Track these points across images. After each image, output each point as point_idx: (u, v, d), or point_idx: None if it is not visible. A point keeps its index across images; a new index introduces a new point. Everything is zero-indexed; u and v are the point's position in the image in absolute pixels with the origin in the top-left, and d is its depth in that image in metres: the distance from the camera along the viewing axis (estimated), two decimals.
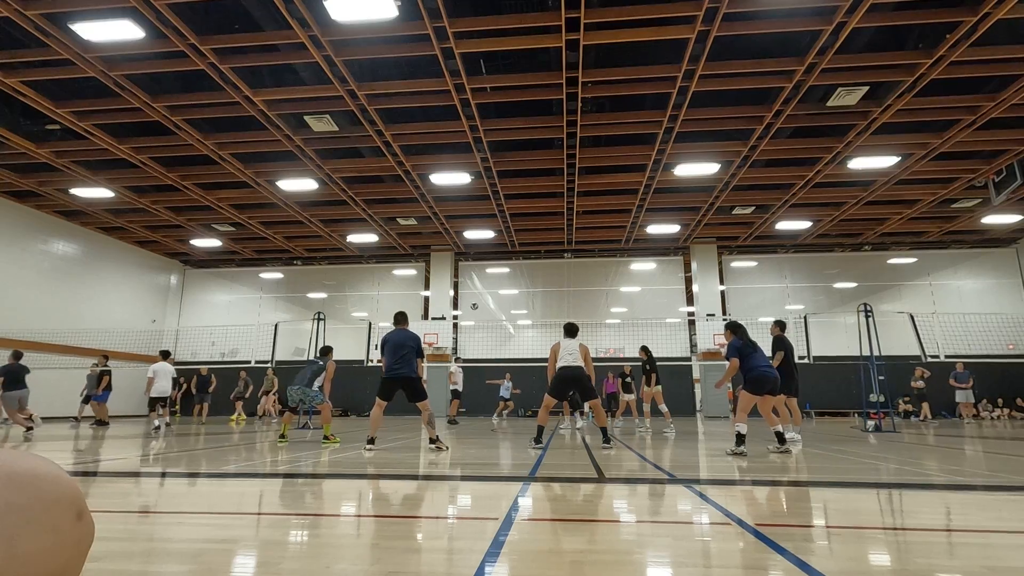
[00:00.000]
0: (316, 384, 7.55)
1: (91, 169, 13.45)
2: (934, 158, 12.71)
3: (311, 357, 9.01)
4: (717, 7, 7.96)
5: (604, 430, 6.56)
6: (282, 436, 7.42)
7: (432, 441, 6.32)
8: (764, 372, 6.09)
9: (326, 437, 7.23)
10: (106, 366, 12.68)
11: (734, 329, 6.47)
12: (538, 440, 6.58)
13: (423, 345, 8.33)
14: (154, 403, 10.50)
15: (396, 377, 6.44)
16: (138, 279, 19.84)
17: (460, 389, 13.42)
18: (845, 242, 19.58)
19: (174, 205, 15.80)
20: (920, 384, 14.33)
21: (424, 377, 6.75)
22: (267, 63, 9.51)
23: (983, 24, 8.15)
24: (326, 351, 8.30)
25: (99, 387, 12.33)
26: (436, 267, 20.19)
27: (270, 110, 10.79)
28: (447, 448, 6.25)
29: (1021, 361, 17.11)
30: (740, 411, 6.06)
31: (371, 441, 6.16)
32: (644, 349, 10.62)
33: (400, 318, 6.93)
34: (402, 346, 6.50)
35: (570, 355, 6.68)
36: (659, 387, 10.28)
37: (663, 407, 10.09)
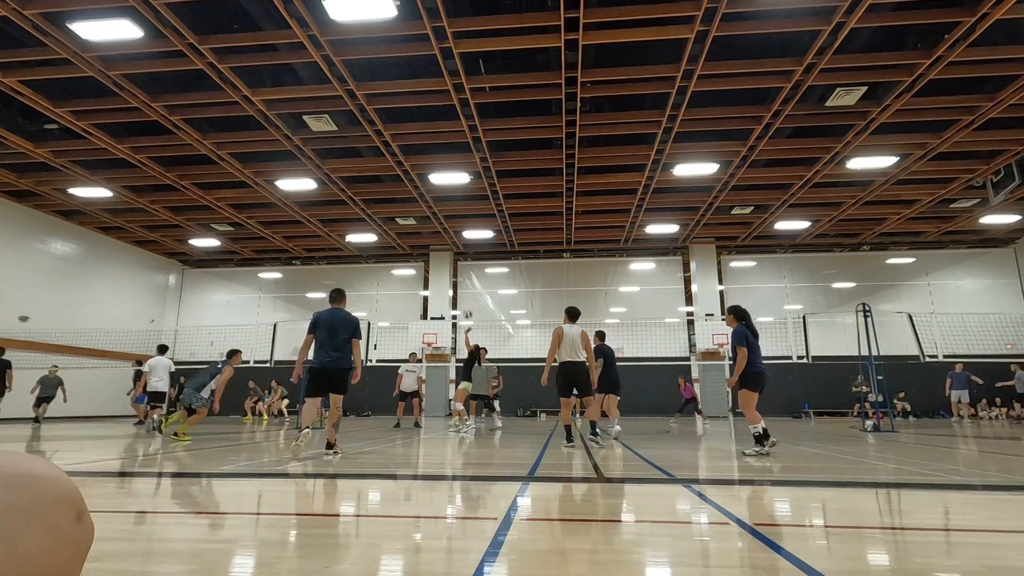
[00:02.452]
0: (211, 387, 7.55)
1: (89, 169, 13.43)
2: (932, 158, 12.73)
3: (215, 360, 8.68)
4: (716, 7, 7.97)
5: (594, 424, 6.64)
6: (175, 434, 7.39)
7: (329, 446, 5.52)
8: (762, 368, 5.82)
9: (176, 434, 7.28)
10: (140, 366, 12.68)
11: (739, 315, 6.00)
12: (569, 439, 6.38)
13: (422, 344, 8.34)
14: (153, 398, 10.17)
15: (327, 369, 5.56)
16: (137, 279, 19.82)
17: (407, 390, 11.83)
18: (844, 242, 19.61)
19: (173, 205, 15.78)
20: (864, 388, 15.26)
21: (359, 363, 5.63)
22: (266, 63, 9.50)
23: (981, 24, 8.17)
24: (232, 353, 8.14)
25: (137, 388, 12.38)
26: (435, 267, 20.18)
27: (269, 110, 10.78)
28: (339, 454, 5.47)
29: (1020, 361, 17.12)
30: (748, 410, 5.77)
31: (330, 446, 5.51)
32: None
33: (335, 296, 6.02)
34: (336, 331, 5.62)
35: (571, 347, 6.50)
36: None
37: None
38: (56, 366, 13.32)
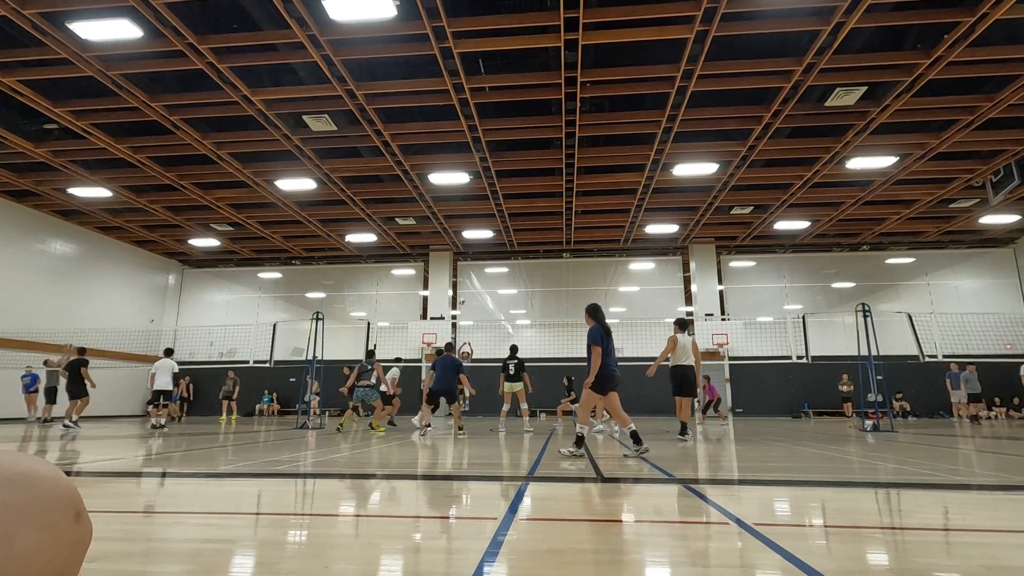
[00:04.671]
0: (380, 386, 9.77)
1: (89, 168, 13.43)
2: (932, 158, 12.74)
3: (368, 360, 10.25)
4: (716, 7, 7.97)
5: (685, 427, 7.38)
6: (370, 426, 9.62)
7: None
8: (614, 370, 5.68)
9: (371, 426, 9.54)
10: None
11: (593, 314, 5.89)
12: (684, 433, 7.32)
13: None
14: (157, 396, 10.78)
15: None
16: (136, 279, 19.81)
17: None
18: (843, 242, 19.61)
19: (172, 205, 15.78)
20: (847, 388, 16.42)
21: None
22: (265, 62, 9.50)
23: (981, 24, 8.17)
24: (371, 353, 10.26)
25: (177, 388, 12.53)
26: (435, 267, 20.18)
27: (268, 109, 10.77)
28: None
29: (1020, 361, 17.13)
30: (582, 410, 5.70)
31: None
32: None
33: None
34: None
35: (683, 353, 7.65)
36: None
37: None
38: (49, 359, 13.29)
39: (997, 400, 16.90)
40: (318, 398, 14.82)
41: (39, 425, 12.18)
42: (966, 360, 15.11)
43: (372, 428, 9.61)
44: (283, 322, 17.79)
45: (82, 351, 11.52)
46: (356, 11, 8.03)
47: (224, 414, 15.42)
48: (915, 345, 14.53)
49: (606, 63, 9.69)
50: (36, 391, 13.88)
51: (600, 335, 5.67)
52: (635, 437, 5.45)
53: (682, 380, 7.76)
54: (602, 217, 17.10)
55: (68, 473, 4.14)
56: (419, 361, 18.69)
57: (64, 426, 10.29)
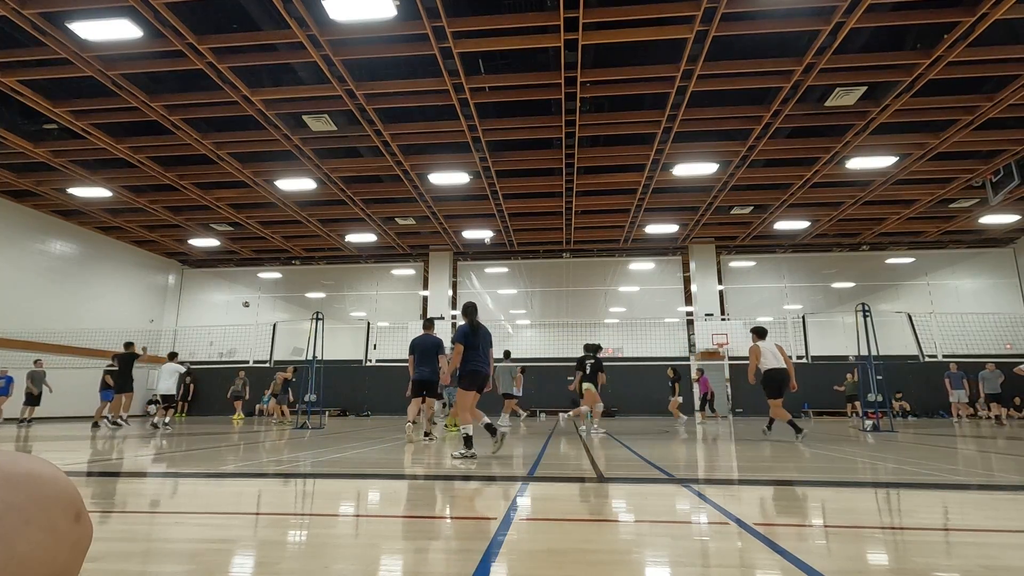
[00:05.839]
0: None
1: (89, 168, 13.43)
2: (932, 158, 12.74)
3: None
4: (715, 7, 7.97)
5: (793, 422, 7.48)
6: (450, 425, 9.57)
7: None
8: (478, 367, 5.66)
9: (447, 425, 9.50)
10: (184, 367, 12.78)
11: (464, 312, 5.91)
12: (799, 430, 7.38)
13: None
14: (161, 400, 10.89)
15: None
16: (136, 279, 19.81)
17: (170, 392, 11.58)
18: (843, 242, 19.61)
19: (172, 205, 15.78)
20: (842, 388, 16.57)
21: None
22: (265, 63, 9.50)
23: (980, 24, 8.17)
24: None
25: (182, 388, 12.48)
26: (435, 267, 20.18)
27: (268, 110, 10.77)
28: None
29: (1019, 361, 17.13)
30: (460, 410, 5.66)
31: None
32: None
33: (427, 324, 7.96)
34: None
35: (774, 357, 7.94)
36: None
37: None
38: (40, 360, 13.25)
39: (1017, 400, 16.74)
40: (275, 400, 14.77)
41: (18, 426, 12.13)
42: (959, 360, 15.12)
43: (448, 428, 9.69)
44: (283, 322, 17.78)
45: (129, 345, 11.38)
46: (356, 11, 8.03)
47: (239, 412, 15.52)
48: (915, 345, 14.53)
49: (606, 63, 9.69)
50: (9, 394, 13.22)
51: (463, 333, 5.71)
52: (467, 441, 5.40)
53: (780, 384, 8.01)
54: (602, 217, 17.10)
55: (92, 473, 4.14)
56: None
57: (113, 424, 10.31)
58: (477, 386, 5.67)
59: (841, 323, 18.59)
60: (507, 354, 12.65)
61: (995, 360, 14.55)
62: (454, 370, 5.79)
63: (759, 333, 8.32)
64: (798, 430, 7.42)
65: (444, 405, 12.27)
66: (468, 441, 5.39)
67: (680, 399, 14.46)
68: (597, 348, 10.59)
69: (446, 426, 9.51)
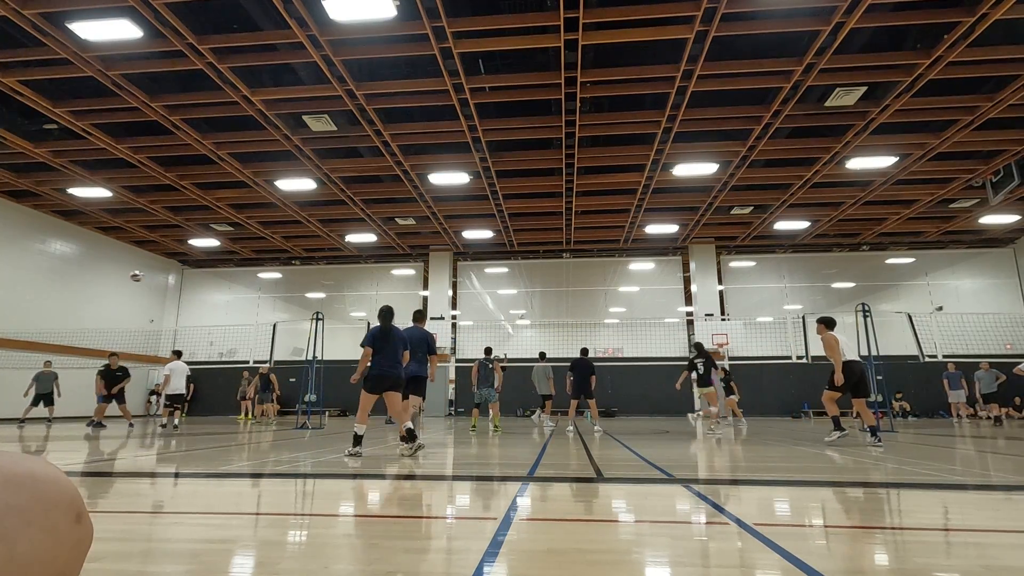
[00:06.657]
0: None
1: (89, 169, 13.42)
2: (932, 158, 12.74)
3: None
4: (716, 7, 7.97)
5: (873, 428, 6.76)
6: (473, 427, 9.90)
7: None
8: (384, 370, 5.68)
9: (494, 425, 9.72)
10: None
11: (379, 315, 5.94)
12: (841, 428, 6.95)
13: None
14: (172, 400, 10.82)
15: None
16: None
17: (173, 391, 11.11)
18: (843, 242, 19.61)
19: (172, 205, 15.78)
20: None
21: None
22: (265, 63, 9.49)
23: (981, 24, 8.17)
24: (489, 349, 10.59)
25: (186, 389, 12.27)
26: (435, 267, 20.17)
27: (268, 110, 10.77)
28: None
29: (1019, 361, 17.13)
30: (360, 412, 5.69)
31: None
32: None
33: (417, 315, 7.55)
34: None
35: (850, 349, 7.20)
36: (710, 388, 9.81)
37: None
38: (49, 361, 13.28)
39: (1018, 400, 16.72)
40: (253, 399, 14.79)
41: (18, 426, 12.15)
42: (958, 360, 15.11)
43: (496, 428, 9.75)
44: (283, 322, 17.78)
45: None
46: (356, 11, 8.03)
47: (251, 413, 15.57)
48: (915, 345, 14.52)
49: (606, 63, 9.69)
50: None
51: (371, 337, 5.78)
52: (356, 440, 5.53)
53: (860, 377, 7.01)
54: (602, 217, 17.09)
55: (94, 473, 4.14)
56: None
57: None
58: (381, 389, 5.68)
59: (841, 323, 18.56)
60: (542, 355, 12.53)
61: (993, 360, 14.56)
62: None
63: (828, 323, 7.37)
64: (874, 434, 6.71)
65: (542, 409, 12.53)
66: (356, 440, 5.52)
67: (737, 396, 13.41)
68: (701, 347, 9.93)
69: (495, 426, 9.71)
